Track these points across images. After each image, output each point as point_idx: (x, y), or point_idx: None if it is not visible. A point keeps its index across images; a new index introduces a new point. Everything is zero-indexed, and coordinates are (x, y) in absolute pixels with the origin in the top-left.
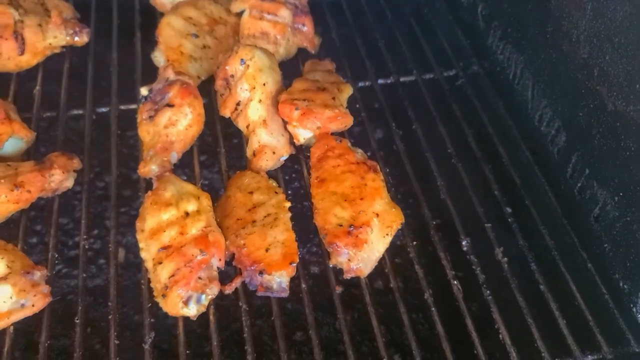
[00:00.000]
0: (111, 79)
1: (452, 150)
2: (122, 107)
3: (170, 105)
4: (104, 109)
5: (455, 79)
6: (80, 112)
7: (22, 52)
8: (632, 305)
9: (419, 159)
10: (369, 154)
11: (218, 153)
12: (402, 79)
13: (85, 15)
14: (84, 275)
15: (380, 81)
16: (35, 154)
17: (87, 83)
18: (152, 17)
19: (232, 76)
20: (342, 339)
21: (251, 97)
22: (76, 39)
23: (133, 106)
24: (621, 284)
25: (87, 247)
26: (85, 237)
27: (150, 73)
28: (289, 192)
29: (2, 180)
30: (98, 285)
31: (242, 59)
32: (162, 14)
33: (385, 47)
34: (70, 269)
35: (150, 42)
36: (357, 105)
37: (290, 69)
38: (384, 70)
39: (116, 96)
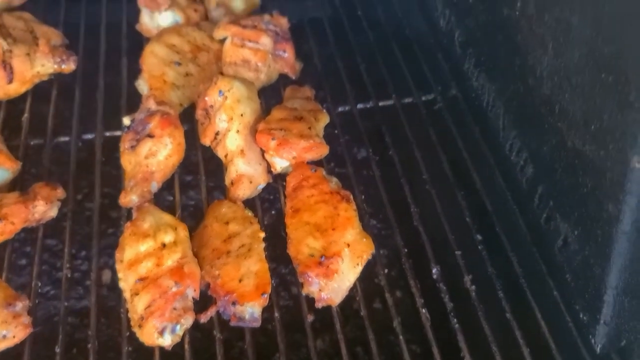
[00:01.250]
0: (97, 106)
1: (426, 176)
2: (108, 133)
3: (150, 135)
4: (89, 136)
5: (433, 103)
6: (67, 139)
7: (10, 81)
8: (591, 337)
9: (394, 185)
10: (347, 174)
11: (199, 180)
12: (381, 104)
13: (74, 39)
14: (67, 301)
15: (359, 106)
16: (22, 182)
17: (74, 110)
18: (139, 42)
19: (212, 106)
20: None
21: (229, 127)
22: (63, 66)
23: (118, 133)
24: (581, 315)
25: (70, 269)
26: (68, 264)
27: (137, 99)
28: (267, 218)
29: None
30: (84, 307)
31: (220, 90)
32: (147, 39)
33: (366, 70)
34: (58, 291)
35: (137, 67)
36: (336, 131)
37: (271, 94)
38: (364, 94)
39: (101, 123)
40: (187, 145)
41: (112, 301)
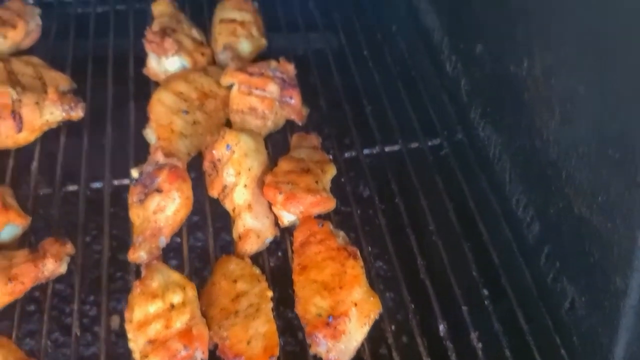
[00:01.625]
0: (105, 154)
1: (433, 227)
2: (116, 182)
3: (159, 190)
4: (98, 185)
5: (439, 149)
6: (75, 187)
7: (19, 130)
8: None
9: (400, 235)
10: (351, 235)
11: (206, 221)
12: (387, 149)
13: (81, 82)
14: (76, 349)
15: (365, 151)
16: (32, 231)
17: (82, 157)
18: (146, 86)
19: (219, 160)
20: None
21: (237, 182)
22: (72, 113)
23: (126, 181)
24: None
25: (79, 315)
26: (77, 311)
27: (144, 144)
28: (273, 260)
29: None
30: (94, 354)
31: (227, 144)
32: (155, 83)
33: (372, 114)
34: (67, 337)
35: (144, 110)
36: (343, 179)
37: (277, 139)
38: (370, 139)
39: (109, 171)
40: (193, 185)
41: (120, 348)
